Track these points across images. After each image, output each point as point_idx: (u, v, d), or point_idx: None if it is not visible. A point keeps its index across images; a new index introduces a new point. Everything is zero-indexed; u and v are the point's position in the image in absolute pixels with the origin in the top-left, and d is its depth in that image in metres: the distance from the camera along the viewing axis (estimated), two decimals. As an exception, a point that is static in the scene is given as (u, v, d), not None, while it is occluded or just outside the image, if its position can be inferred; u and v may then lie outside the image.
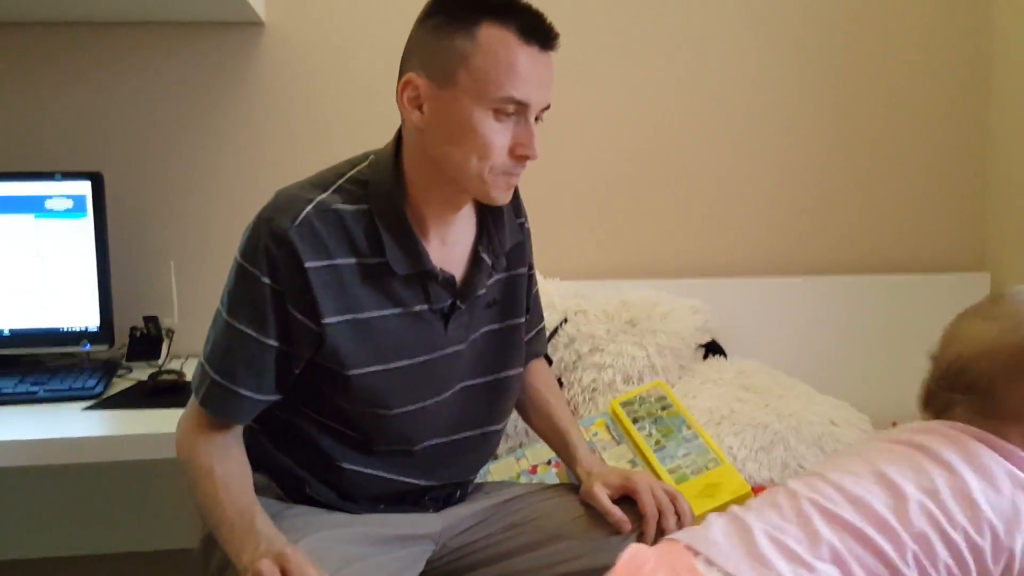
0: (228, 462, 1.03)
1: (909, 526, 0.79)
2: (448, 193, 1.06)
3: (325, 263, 1.01)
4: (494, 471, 1.53)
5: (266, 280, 1.00)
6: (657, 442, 1.47)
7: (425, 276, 1.06)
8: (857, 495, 0.83)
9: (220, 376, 1.02)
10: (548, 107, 1.04)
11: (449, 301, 1.09)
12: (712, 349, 1.79)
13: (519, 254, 1.21)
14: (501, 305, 1.18)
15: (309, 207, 1.01)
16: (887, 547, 0.79)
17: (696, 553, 0.84)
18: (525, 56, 0.98)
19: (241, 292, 1.02)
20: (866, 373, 1.89)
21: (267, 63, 1.83)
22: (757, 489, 1.32)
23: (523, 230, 1.22)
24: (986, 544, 0.77)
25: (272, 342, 1.01)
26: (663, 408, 1.54)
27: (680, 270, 1.93)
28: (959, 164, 1.96)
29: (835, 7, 1.91)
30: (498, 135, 1.00)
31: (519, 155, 1.02)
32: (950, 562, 0.78)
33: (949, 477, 0.81)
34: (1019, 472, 0.81)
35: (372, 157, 1.09)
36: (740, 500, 1.23)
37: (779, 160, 1.94)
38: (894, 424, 1.76)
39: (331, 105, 1.85)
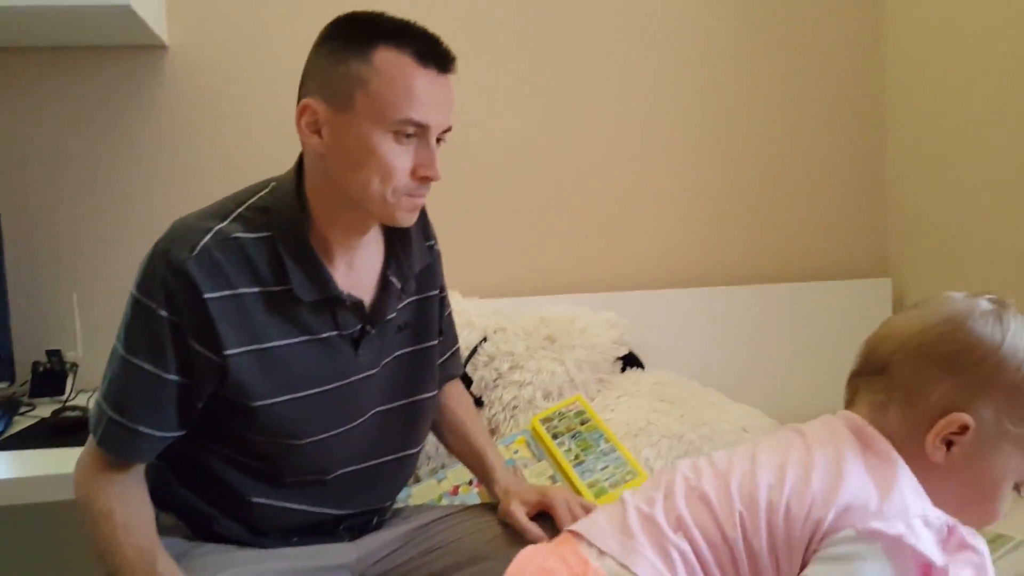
0: (128, 503, 1.00)
1: (743, 491, 0.83)
2: (352, 217, 1.06)
3: (226, 293, 0.99)
4: (415, 494, 1.52)
5: (163, 313, 0.97)
6: (576, 457, 1.48)
7: (332, 302, 1.05)
8: (722, 470, 0.87)
9: (118, 414, 0.99)
10: (449, 129, 1.05)
11: (358, 326, 1.08)
12: (630, 361, 1.82)
13: (429, 277, 1.20)
14: (413, 328, 1.17)
15: (207, 236, 0.99)
16: (720, 511, 0.83)
17: (580, 537, 0.89)
18: (423, 78, 0.99)
19: (138, 327, 0.99)
20: (777, 378, 1.94)
21: (171, 87, 1.79)
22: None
23: (432, 252, 1.22)
24: (801, 513, 0.80)
25: (172, 377, 0.99)
26: (582, 423, 1.56)
27: (597, 284, 1.96)
28: (859, 177, 2.04)
29: (734, 24, 1.97)
30: (399, 157, 1.00)
31: (421, 176, 1.02)
32: (765, 526, 0.81)
33: (802, 457, 0.84)
34: (869, 460, 0.84)
35: (273, 184, 1.08)
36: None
37: (686, 176, 1.99)
38: (804, 429, 1.82)
39: (236, 130, 1.82)
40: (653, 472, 1.49)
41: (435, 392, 1.23)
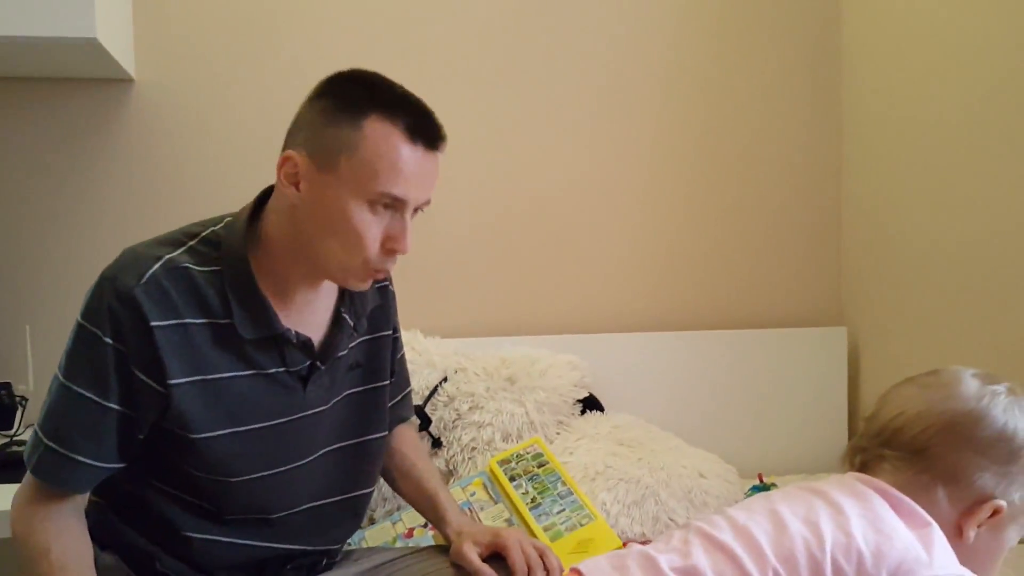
0: (66, 540, 0.97)
1: (779, 548, 0.85)
2: (307, 267, 1.05)
3: (173, 322, 0.98)
4: (369, 536, 1.49)
5: (108, 340, 0.96)
6: (533, 499, 1.47)
7: (279, 339, 1.04)
8: (742, 524, 0.89)
9: (54, 442, 0.97)
10: (428, 202, 1.04)
11: (307, 363, 1.07)
12: (590, 404, 1.82)
13: (382, 317, 1.20)
14: (364, 368, 1.16)
15: (157, 265, 0.98)
16: (749, 564, 0.84)
17: (579, 574, 0.92)
18: (409, 154, 0.98)
19: (81, 354, 0.97)
20: (734, 424, 1.95)
21: (136, 121, 1.79)
22: (628, 544, 1.33)
23: (386, 293, 1.21)
24: (851, 569, 0.82)
25: (114, 405, 0.97)
26: (539, 465, 1.54)
27: (558, 326, 1.96)
28: (816, 228, 2.08)
29: (691, 73, 2.01)
30: (371, 227, 0.99)
31: (389, 248, 1.01)
32: None
33: (833, 512, 0.87)
34: (903, 520, 0.88)
35: (228, 219, 1.07)
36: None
37: (650, 222, 2.02)
38: (760, 477, 1.82)
39: (200, 164, 1.82)
40: (609, 516, 1.49)
41: (385, 433, 1.21)
